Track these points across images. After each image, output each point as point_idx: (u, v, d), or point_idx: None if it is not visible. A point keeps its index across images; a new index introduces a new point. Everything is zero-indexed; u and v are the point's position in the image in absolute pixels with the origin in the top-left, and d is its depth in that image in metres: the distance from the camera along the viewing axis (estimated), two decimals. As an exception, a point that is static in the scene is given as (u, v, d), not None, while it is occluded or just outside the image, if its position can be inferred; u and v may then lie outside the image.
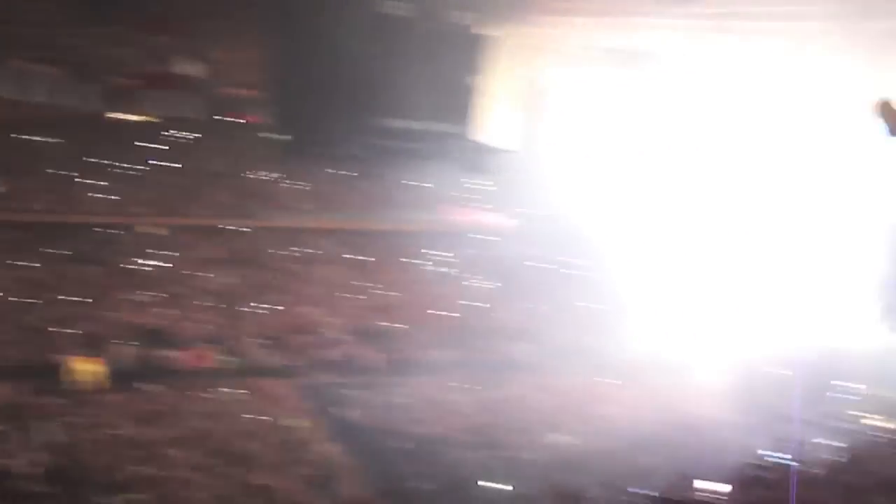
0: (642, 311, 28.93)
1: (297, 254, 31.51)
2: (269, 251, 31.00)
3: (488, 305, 31.62)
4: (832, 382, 25.79)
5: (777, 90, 26.58)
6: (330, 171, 28.73)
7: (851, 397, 24.68)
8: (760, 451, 17.52)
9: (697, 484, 14.47)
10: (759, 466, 14.09)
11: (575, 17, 22.54)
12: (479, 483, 19.03)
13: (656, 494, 14.72)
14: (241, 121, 28.18)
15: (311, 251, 31.68)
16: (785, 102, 27.66)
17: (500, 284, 32.90)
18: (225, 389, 23.80)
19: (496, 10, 21.22)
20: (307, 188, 30.30)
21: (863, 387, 24.90)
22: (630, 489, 13.57)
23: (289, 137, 23.79)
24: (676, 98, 28.21)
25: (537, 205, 34.25)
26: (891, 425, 21.40)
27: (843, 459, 16.46)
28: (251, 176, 30.53)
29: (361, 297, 30.83)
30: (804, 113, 27.68)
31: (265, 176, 30.38)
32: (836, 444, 19.41)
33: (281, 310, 29.08)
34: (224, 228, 30.91)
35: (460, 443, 22.21)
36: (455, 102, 21.05)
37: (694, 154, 31.17)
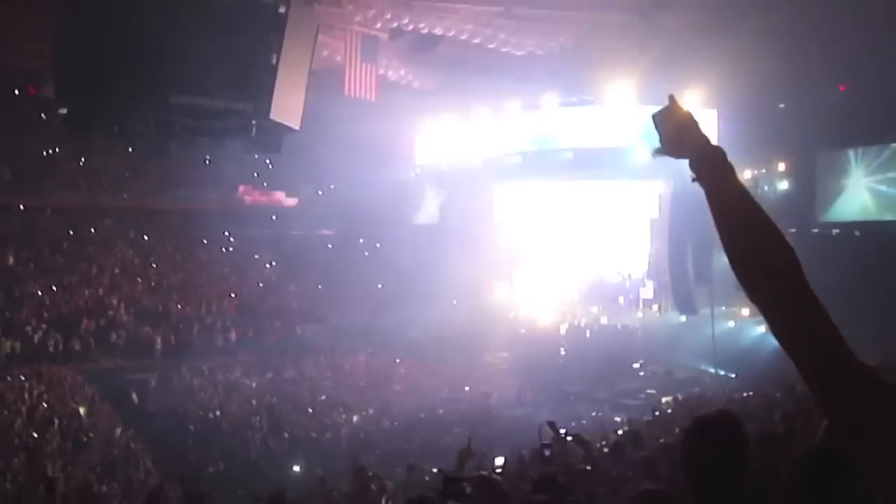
0: (429, 292, 29.43)
1: (80, 234, 30.06)
2: (51, 231, 29.33)
3: (275, 286, 31.35)
4: (630, 364, 27.48)
5: (567, 83, 27.68)
6: (118, 147, 27.65)
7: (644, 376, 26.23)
8: (549, 428, 18.27)
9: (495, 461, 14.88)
10: (548, 443, 14.68)
11: (373, -1, 22.66)
12: (270, 463, 19.05)
13: (445, 470, 15.04)
14: (24, 93, 26.59)
15: (94, 231, 30.40)
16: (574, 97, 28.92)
17: (285, 264, 32.66)
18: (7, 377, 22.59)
19: (296, -11, 20.87)
20: (93, 165, 29.08)
21: (657, 366, 26.48)
22: (415, 465, 13.82)
23: (75, 112, 22.46)
24: (460, 83, 28.92)
25: (319, 184, 34.37)
26: (666, 399, 22.93)
27: (626, 432, 17.43)
28: (33, 151, 28.69)
29: (146, 278, 29.92)
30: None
31: (48, 152, 28.86)
32: (624, 418, 20.65)
33: (63, 292, 27.69)
34: (1, 206, 29.02)
35: (249, 424, 22.10)
36: (252, 80, 20.54)
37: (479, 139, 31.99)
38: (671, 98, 2.50)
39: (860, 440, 1.95)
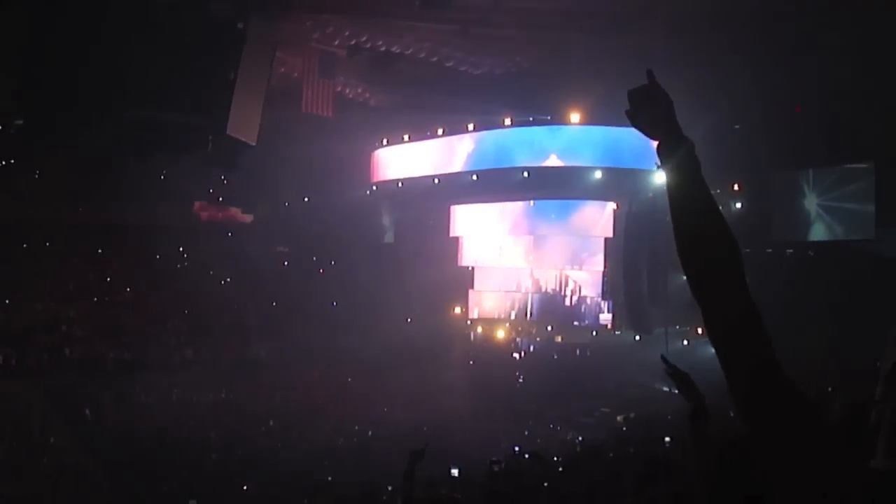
0: (382, 308, 29.44)
1: (33, 247, 29.67)
2: (3, 244, 28.86)
3: (230, 302, 31.15)
4: (584, 382, 27.58)
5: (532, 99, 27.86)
6: (73, 160, 27.35)
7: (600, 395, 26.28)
8: (508, 446, 18.37)
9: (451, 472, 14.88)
10: (504, 460, 14.73)
11: (333, 15, 22.70)
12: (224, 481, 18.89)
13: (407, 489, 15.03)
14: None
15: (48, 245, 30.03)
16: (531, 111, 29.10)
17: (241, 281, 32.47)
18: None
19: (255, 3, 20.90)
20: (48, 178, 28.73)
21: (611, 385, 26.56)
22: (380, 485, 13.81)
23: (31, 123, 22.30)
24: (417, 101, 29.06)
25: (274, 200, 34.30)
26: (620, 417, 23.07)
27: (581, 450, 17.56)
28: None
29: (101, 293, 29.62)
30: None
31: (2, 163, 28.48)
32: (580, 437, 20.81)
33: (16, 306, 27.31)
34: None
35: (205, 443, 21.93)
36: (210, 96, 20.48)
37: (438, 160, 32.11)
38: (650, 75, 2.57)
39: (769, 444, 2.04)
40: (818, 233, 24.99)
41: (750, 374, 2.10)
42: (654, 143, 2.47)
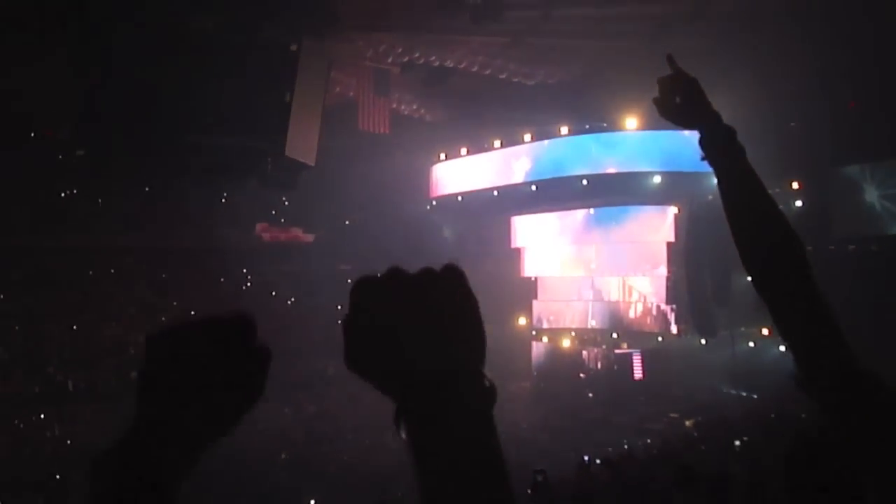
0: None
1: (98, 274, 30.23)
2: (69, 271, 29.44)
3: (295, 322, 31.36)
4: (650, 388, 27.42)
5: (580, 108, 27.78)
6: (134, 187, 27.86)
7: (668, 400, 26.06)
8: (575, 454, 18.26)
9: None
10: (580, 468, 14.64)
11: (385, 33, 22.85)
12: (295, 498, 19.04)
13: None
14: (40, 135, 26.80)
15: (113, 271, 30.57)
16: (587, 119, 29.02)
17: (305, 300, 32.71)
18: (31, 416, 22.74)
19: (307, 25, 21.08)
20: (110, 206, 29.26)
21: (678, 390, 26.32)
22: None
23: (92, 153, 22.71)
24: (472, 114, 29.13)
25: (335, 219, 34.55)
26: (689, 422, 22.86)
27: (653, 457, 17.41)
28: (50, 193, 28.89)
29: (166, 317, 30.00)
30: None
31: (65, 193, 29.09)
32: (649, 442, 20.63)
33: (83, 332, 27.82)
34: (21, 247, 29.05)
35: (280, 462, 22.11)
36: (267, 118, 20.68)
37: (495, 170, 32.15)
38: (671, 60, 2.46)
39: (857, 439, 1.95)
40: (880, 227, 24.60)
41: (828, 373, 2.00)
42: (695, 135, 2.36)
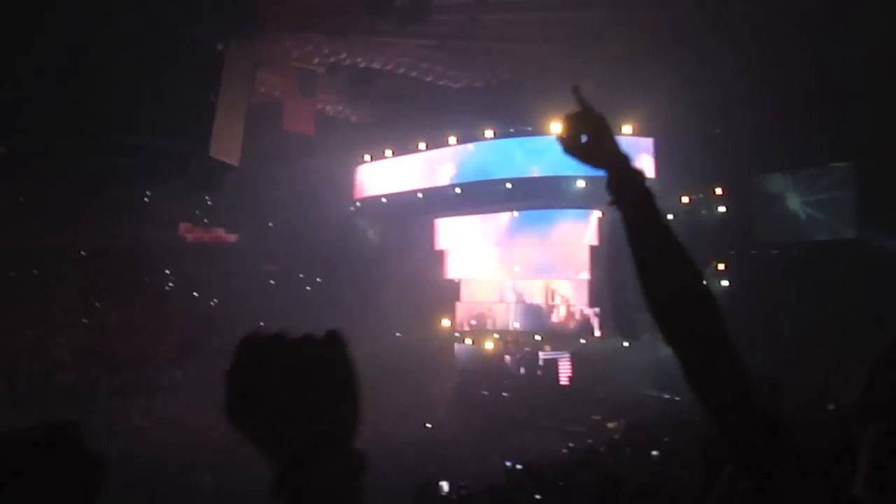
0: (373, 325, 29.40)
1: (19, 275, 29.56)
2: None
3: (218, 323, 31.04)
4: (574, 390, 27.64)
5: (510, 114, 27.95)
6: (56, 187, 27.29)
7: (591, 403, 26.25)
8: (499, 458, 18.36)
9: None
10: (499, 471, 14.69)
11: (312, 34, 22.76)
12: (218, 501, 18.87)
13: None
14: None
15: (34, 272, 29.93)
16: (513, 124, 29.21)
17: (229, 301, 32.39)
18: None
19: (234, 24, 20.91)
20: (30, 205, 28.65)
21: (601, 392, 26.54)
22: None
23: (12, 151, 22.26)
24: (398, 117, 29.14)
25: (258, 220, 34.29)
26: (612, 424, 23.12)
27: (573, 459, 17.59)
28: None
29: (89, 318, 29.52)
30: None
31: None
32: (570, 446, 20.81)
33: (4, 335, 27.18)
34: None
35: (205, 465, 21.84)
36: (191, 118, 20.46)
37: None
38: (577, 93, 2.42)
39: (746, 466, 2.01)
40: (802, 233, 25.17)
41: (724, 409, 2.04)
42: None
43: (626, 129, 26.50)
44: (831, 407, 9.71)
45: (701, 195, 26.83)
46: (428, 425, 25.33)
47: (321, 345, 1.40)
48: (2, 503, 1.53)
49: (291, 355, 1.37)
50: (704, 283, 2.16)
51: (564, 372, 28.83)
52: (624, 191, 2.25)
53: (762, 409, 2.00)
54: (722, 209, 26.33)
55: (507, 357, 30.51)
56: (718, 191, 26.39)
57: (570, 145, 2.40)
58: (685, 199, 26.67)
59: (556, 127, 2.38)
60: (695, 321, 2.13)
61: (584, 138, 2.37)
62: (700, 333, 2.11)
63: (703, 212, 26.68)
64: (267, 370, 1.35)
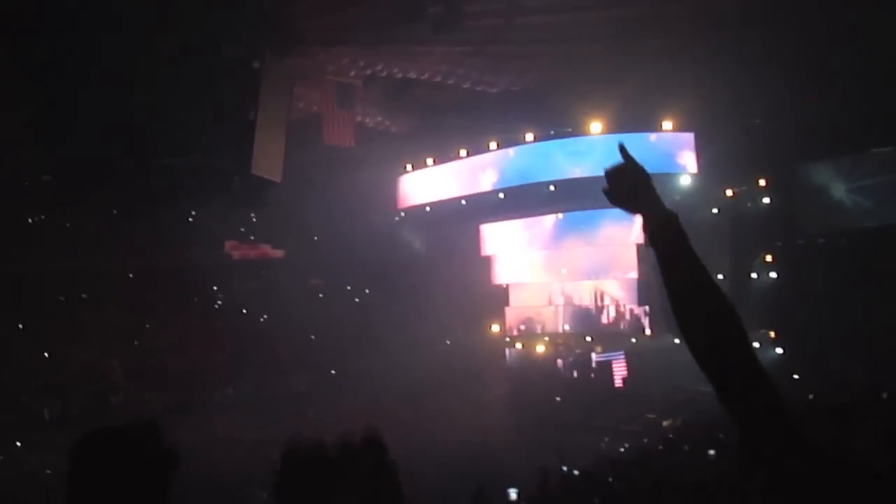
0: (421, 334, 29.46)
1: (69, 298, 29.89)
2: (40, 297, 28.99)
3: (267, 339, 31.20)
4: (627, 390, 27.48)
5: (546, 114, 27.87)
6: (102, 211, 27.58)
7: (645, 402, 26.04)
8: (554, 461, 18.25)
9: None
10: (555, 475, 14.63)
11: (346, 47, 22.82)
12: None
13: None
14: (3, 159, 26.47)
15: (84, 296, 30.25)
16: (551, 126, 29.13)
17: (277, 316, 32.55)
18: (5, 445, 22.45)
19: (267, 41, 21.01)
20: (78, 229, 28.98)
21: (655, 392, 26.34)
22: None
23: (59, 177, 22.57)
24: (437, 125, 29.18)
25: (303, 234, 34.43)
26: (667, 423, 22.91)
27: (629, 460, 17.44)
28: (17, 218, 28.40)
29: (140, 339, 29.79)
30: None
31: (32, 218, 28.78)
32: (626, 446, 20.67)
33: (58, 358, 27.51)
34: None
35: (256, 480, 21.93)
36: (231, 137, 20.59)
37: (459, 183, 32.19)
38: (622, 150, 2.63)
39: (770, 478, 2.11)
40: (848, 221, 24.82)
41: (759, 434, 2.14)
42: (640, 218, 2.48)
43: (667, 125, 26.34)
44: (885, 395, 9.54)
45: (745, 187, 26.54)
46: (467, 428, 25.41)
47: (360, 451, 1.44)
48: (93, 492, 1.67)
49: (331, 469, 1.41)
50: (734, 312, 2.26)
51: (619, 373, 28.63)
52: (658, 233, 2.40)
53: (792, 428, 2.11)
54: (766, 200, 26.02)
55: (560, 361, 30.36)
56: (762, 182, 26.08)
57: (614, 196, 2.60)
58: (729, 193, 26.43)
59: (604, 179, 2.64)
60: (725, 347, 2.24)
61: (626, 190, 2.57)
62: (730, 359, 2.23)
63: (748, 204, 26.40)
64: (310, 488, 1.39)
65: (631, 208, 2.52)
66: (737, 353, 2.21)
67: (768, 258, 25.47)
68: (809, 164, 25.60)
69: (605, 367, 28.95)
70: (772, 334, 24.75)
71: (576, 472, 14.45)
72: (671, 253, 2.36)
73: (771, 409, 2.13)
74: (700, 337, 2.27)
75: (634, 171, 2.56)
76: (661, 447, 18.17)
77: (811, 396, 10.61)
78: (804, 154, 25.06)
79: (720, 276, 26.20)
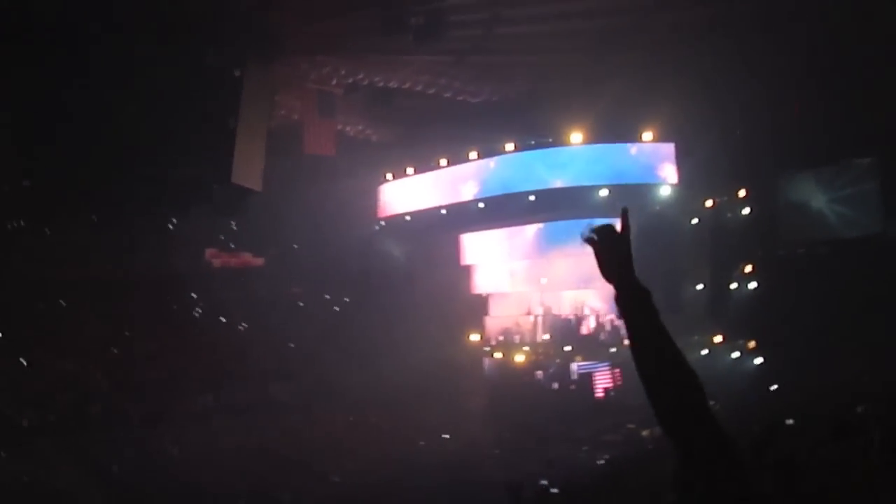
0: (401, 343, 29.38)
1: (47, 307, 29.68)
2: (18, 305, 28.76)
3: (247, 347, 31.07)
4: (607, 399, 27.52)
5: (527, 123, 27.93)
6: (81, 218, 27.42)
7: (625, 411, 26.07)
8: (532, 473, 18.24)
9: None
10: (531, 488, 14.60)
11: (328, 55, 22.85)
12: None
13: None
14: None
15: (62, 303, 30.06)
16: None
17: (256, 325, 32.44)
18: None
19: (249, 49, 21.00)
20: (57, 237, 28.81)
21: (634, 401, 26.37)
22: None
23: (36, 184, 22.47)
24: (419, 134, 29.20)
25: (284, 243, 34.35)
26: (646, 432, 22.93)
27: (609, 470, 17.49)
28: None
29: (118, 348, 29.61)
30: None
31: (11, 225, 28.56)
32: (605, 457, 20.70)
33: (36, 367, 27.33)
34: None
35: (231, 489, 21.86)
36: (212, 145, 20.57)
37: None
38: (624, 216, 2.88)
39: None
40: (829, 231, 24.98)
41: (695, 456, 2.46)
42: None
43: (647, 135, 26.44)
44: (859, 409, 9.60)
45: (725, 198, 26.67)
46: (445, 435, 25.39)
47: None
48: None
49: None
50: (695, 381, 2.56)
51: (601, 383, 28.63)
52: (632, 308, 2.70)
53: (731, 458, 2.45)
54: (746, 211, 26.16)
55: (539, 371, 30.34)
56: (742, 192, 26.22)
57: (600, 259, 2.88)
58: (709, 203, 26.55)
59: (594, 240, 2.93)
60: (684, 413, 2.53)
61: (613, 260, 2.84)
62: (688, 422, 2.51)
63: (728, 214, 26.53)
64: None
65: (609, 276, 2.79)
66: (694, 417, 2.49)
67: (748, 268, 25.58)
68: (789, 175, 25.76)
69: (586, 377, 28.96)
70: (752, 344, 24.88)
71: (554, 491, 14.41)
72: (641, 326, 2.63)
73: (720, 456, 2.42)
74: (663, 403, 2.55)
75: (623, 243, 2.80)
76: (636, 456, 18.26)
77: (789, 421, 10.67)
78: (784, 164, 25.22)
79: (700, 286, 26.38)
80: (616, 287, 2.74)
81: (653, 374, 2.56)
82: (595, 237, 2.87)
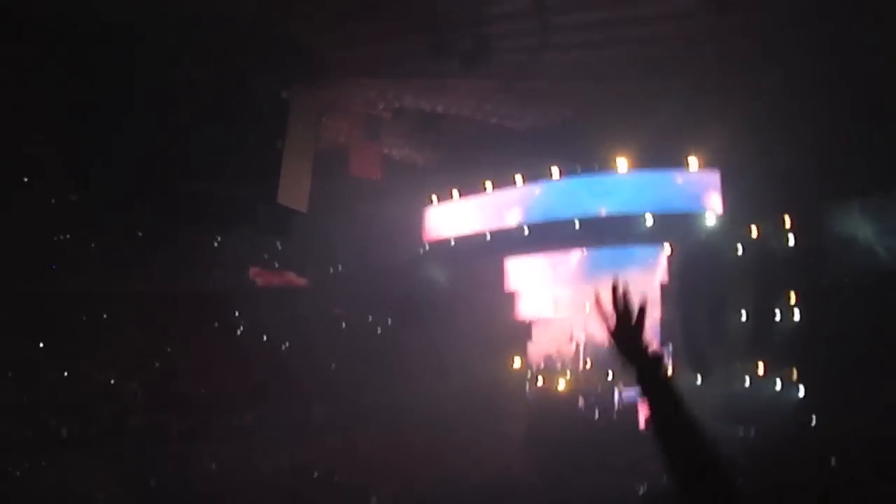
0: (443, 366, 29.35)
1: (91, 319, 30.06)
2: (63, 317, 29.19)
3: (288, 366, 31.23)
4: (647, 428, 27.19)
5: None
6: (127, 233, 27.76)
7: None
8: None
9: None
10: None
11: (375, 79, 22.99)
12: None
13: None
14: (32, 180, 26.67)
15: (106, 317, 30.41)
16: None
17: (298, 344, 32.59)
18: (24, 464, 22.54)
19: (296, 73, 21.21)
20: (102, 251, 29.16)
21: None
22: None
23: (85, 198, 22.77)
24: (464, 159, 29.26)
25: (327, 264, 34.52)
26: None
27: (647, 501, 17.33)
28: (42, 238, 28.68)
29: (160, 363, 29.88)
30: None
31: (57, 238, 28.98)
32: (645, 486, 20.48)
33: (76, 378, 27.67)
34: (13, 293, 28.41)
35: (269, 508, 21.91)
36: (258, 166, 20.78)
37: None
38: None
39: None
40: (874, 262, 24.62)
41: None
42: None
43: (693, 162, 26.30)
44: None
45: (770, 227, 26.42)
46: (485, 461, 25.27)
47: None
48: None
49: None
50: (707, 444, 2.70)
51: (643, 411, 28.33)
52: (651, 383, 2.87)
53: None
54: (791, 240, 25.87)
55: (581, 399, 30.11)
56: (787, 222, 25.94)
57: (616, 336, 2.99)
58: (754, 232, 26.31)
59: (612, 319, 3.05)
60: (698, 473, 2.68)
61: (632, 340, 2.95)
62: (703, 480, 2.67)
63: (773, 243, 26.25)
64: None
65: (631, 357, 2.91)
66: (708, 476, 2.62)
67: (792, 298, 25.29)
68: (836, 205, 25.46)
69: (629, 406, 28.67)
70: (794, 375, 24.58)
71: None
72: (663, 398, 2.80)
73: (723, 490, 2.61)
74: (678, 464, 2.68)
75: (639, 324, 2.94)
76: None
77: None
78: (830, 194, 24.94)
79: (743, 316, 26.11)
80: (631, 360, 2.90)
81: (667, 437, 2.74)
82: (620, 301, 3.03)
